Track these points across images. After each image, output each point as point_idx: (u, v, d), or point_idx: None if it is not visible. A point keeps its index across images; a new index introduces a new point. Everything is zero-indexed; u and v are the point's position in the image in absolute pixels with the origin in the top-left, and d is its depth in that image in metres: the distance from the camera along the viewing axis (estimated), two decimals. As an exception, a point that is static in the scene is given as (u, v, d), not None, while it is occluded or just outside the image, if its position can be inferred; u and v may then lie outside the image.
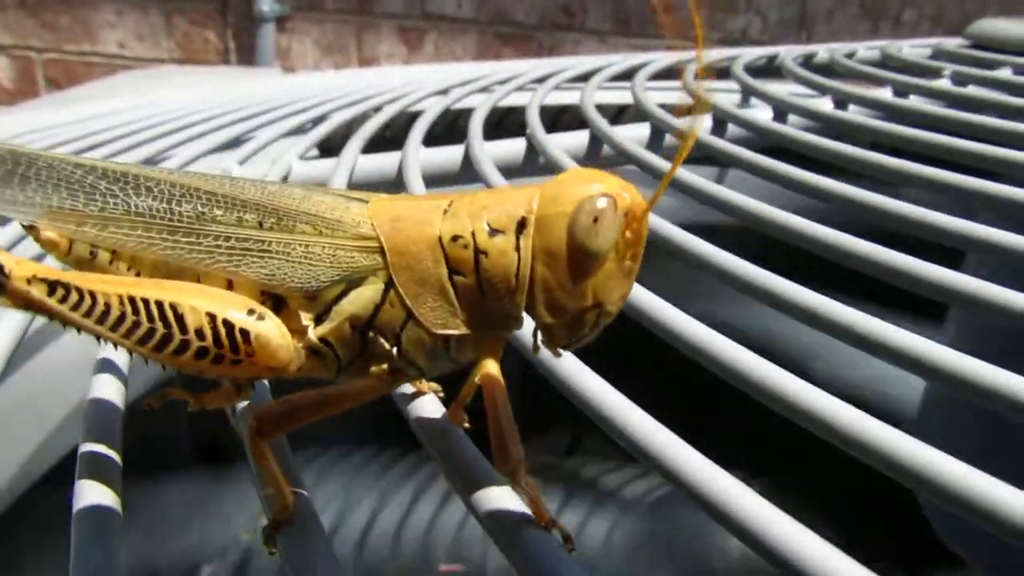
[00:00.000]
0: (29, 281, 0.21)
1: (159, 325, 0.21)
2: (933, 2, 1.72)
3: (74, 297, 0.21)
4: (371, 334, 0.22)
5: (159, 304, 0.21)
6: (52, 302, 0.21)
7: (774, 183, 0.45)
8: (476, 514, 0.21)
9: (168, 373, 0.24)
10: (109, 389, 0.26)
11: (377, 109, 0.71)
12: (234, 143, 0.61)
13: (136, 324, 0.21)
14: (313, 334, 0.22)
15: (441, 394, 0.26)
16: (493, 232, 0.21)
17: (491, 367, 0.21)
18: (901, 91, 0.64)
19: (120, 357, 0.28)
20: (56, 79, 1.77)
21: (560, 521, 0.20)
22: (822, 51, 0.85)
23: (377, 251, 0.21)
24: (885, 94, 0.64)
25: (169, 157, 0.57)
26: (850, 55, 0.82)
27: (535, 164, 0.59)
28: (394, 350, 0.22)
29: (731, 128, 0.61)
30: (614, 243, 0.20)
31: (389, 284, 0.21)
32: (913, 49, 0.80)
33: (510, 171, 0.57)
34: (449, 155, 0.58)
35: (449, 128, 0.81)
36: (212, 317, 0.21)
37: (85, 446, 0.23)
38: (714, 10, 1.72)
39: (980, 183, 0.40)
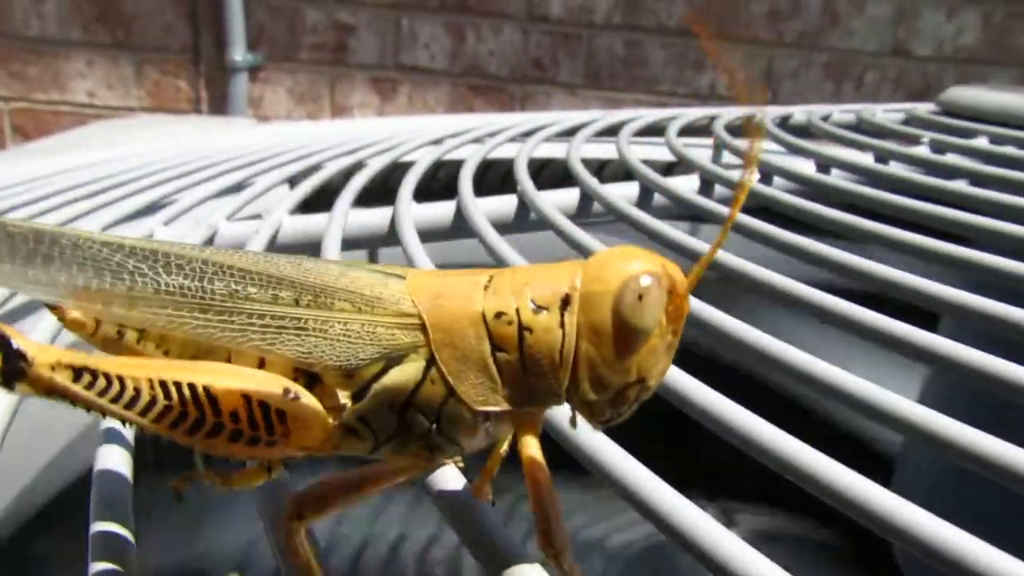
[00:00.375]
0: (53, 367, 0.20)
1: (192, 409, 0.20)
2: (894, 65, 1.78)
3: (101, 382, 0.20)
4: (410, 412, 0.21)
5: (191, 387, 0.20)
6: (78, 388, 0.20)
7: (763, 244, 0.46)
8: None
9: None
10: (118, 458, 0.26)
11: (360, 164, 0.71)
12: (227, 191, 0.60)
13: (168, 408, 0.20)
14: (351, 413, 0.21)
15: (461, 464, 0.26)
16: (537, 309, 0.20)
17: (532, 446, 0.21)
18: (882, 157, 0.66)
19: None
20: (23, 127, 1.74)
21: None
22: (798, 113, 0.88)
23: (418, 328, 0.21)
24: (867, 159, 0.66)
25: (171, 202, 0.57)
26: (825, 117, 0.84)
27: (526, 220, 0.60)
28: (433, 427, 0.21)
29: (717, 188, 0.62)
30: (658, 320, 0.20)
31: (430, 361, 0.21)
32: (887, 114, 0.83)
33: (503, 227, 0.57)
34: (441, 211, 0.58)
35: (428, 181, 0.81)
36: (247, 399, 0.20)
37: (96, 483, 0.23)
38: (682, 67, 1.77)
39: (956, 248, 0.41)
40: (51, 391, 0.20)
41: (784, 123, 0.85)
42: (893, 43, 1.77)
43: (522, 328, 0.20)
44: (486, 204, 0.58)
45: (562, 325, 0.20)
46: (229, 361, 0.22)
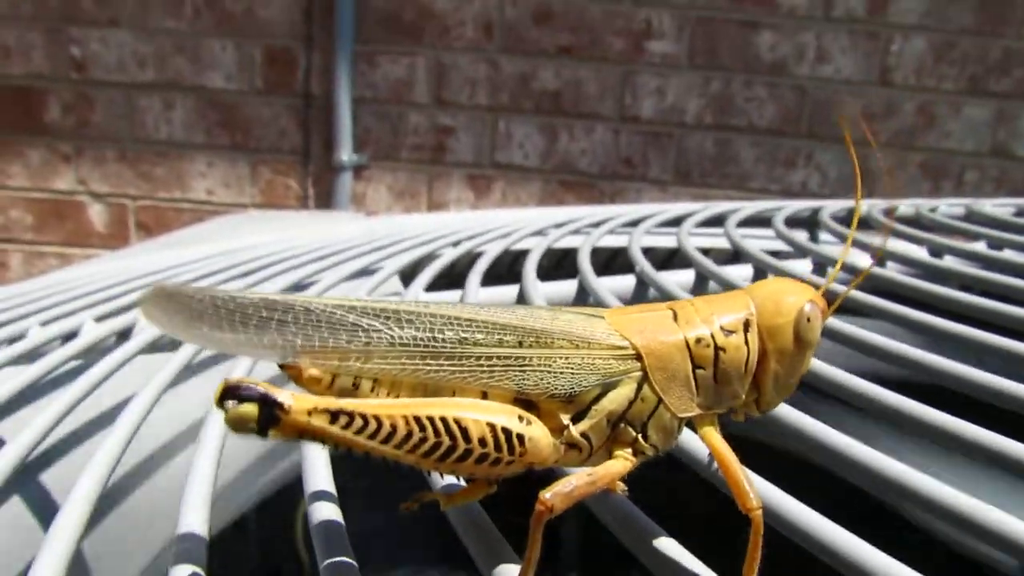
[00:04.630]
0: (310, 413, 0.23)
1: (445, 438, 0.23)
2: (995, 164, 1.75)
3: (358, 422, 0.23)
4: (622, 425, 0.26)
5: (443, 420, 0.23)
6: (335, 429, 0.23)
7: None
8: None
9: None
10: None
11: (472, 251, 0.74)
12: (360, 273, 0.64)
13: (423, 439, 0.23)
14: (575, 430, 0.25)
15: (628, 493, 0.30)
16: (728, 333, 0.26)
17: (715, 435, 0.26)
18: (995, 244, 0.65)
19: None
20: (146, 223, 1.88)
21: None
22: (903, 205, 0.87)
23: (631, 357, 0.25)
24: (979, 247, 0.65)
25: (314, 283, 0.61)
26: (932, 210, 0.83)
27: (644, 297, 0.64)
28: (639, 435, 0.26)
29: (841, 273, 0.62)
30: (820, 334, 0.26)
31: (641, 382, 0.25)
32: (996, 208, 0.81)
33: (623, 300, 0.60)
34: (563, 288, 0.62)
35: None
36: (492, 427, 0.24)
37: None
38: (773, 165, 1.78)
39: None
40: (303, 434, 0.23)
41: (888, 214, 0.85)
42: (992, 143, 1.75)
43: (717, 349, 0.26)
44: (604, 282, 0.60)
45: (747, 343, 0.26)
46: (454, 397, 0.25)
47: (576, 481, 0.24)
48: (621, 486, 0.29)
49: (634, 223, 0.82)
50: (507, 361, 0.25)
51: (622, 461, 0.25)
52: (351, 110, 1.77)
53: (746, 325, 0.26)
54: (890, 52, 1.72)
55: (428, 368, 0.25)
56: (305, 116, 1.81)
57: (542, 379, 0.25)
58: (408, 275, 0.66)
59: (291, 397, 0.23)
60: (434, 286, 0.63)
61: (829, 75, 1.73)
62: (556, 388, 0.25)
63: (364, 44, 1.76)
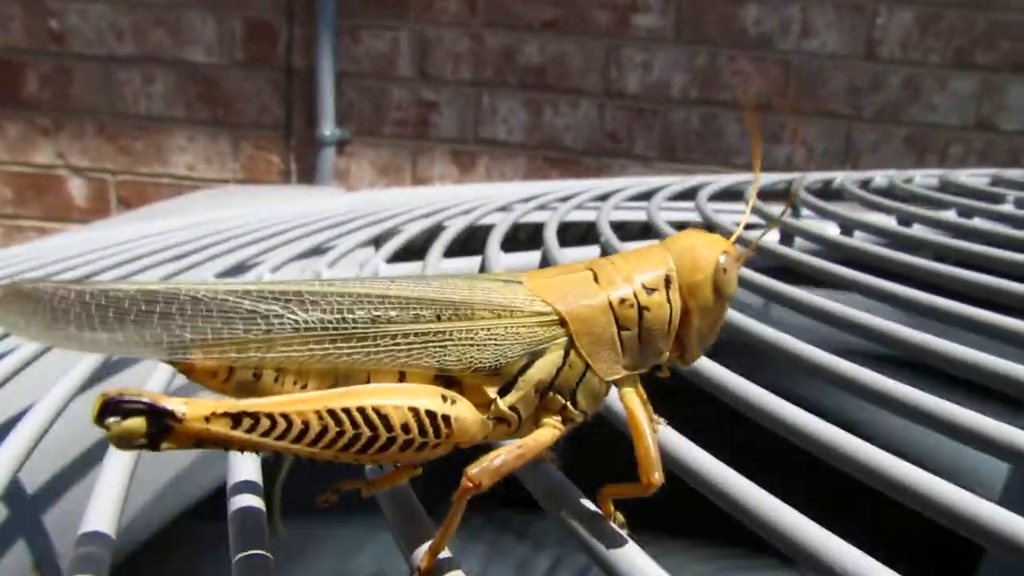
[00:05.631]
0: (207, 419, 0.21)
1: (365, 430, 0.22)
2: (980, 137, 1.75)
3: (265, 423, 0.21)
4: (550, 393, 0.25)
5: (361, 411, 0.22)
6: (238, 433, 0.21)
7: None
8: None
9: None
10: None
11: (440, 225, 0.74)
12: (319, 250, 0.63)
13: (340, 433, 0.22)
14: (503, 404, 0.24)
15: (557, 462, 0.29)
16: (650, 291, 0.25)
17: (634, 398, 0.25)
18: (965, 212, 0.65)
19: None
20: (127, 198, 1.86)
21: None
22: (879, 177, 0.87)
23: (556, 323, 0.25)
24: (950, 215, 0.65)
25: (261, 263, 0.60)
26: (907, 181, 0.83)
27: None
28: (568, 402, 0.25)
29: (799, 241, 0.62)
30: (735, 285, 0.26)
31: (568, 348, 0.25)
32: (971, 179, 0.81)
33: None
34: (527, 260, 0.61)
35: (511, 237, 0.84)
36: (415, 411, 0.22)
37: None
38: (759, 139, 1.77)
39: None
40: (201, 441, 0.21)
41: (865, 186, 0.84)
42: (977, 117, 1.74)
43: (641, 308, 0.25)
44: (571, 253, 0.60)
45: (668, 301, 0.25)
46: (368, 382, 0.23)
47: (505, 455, 0.23)
48: (550, 454, 0.29)
49: (604, 197, 0.81)
50: (426, 337, 0.23)
51: (551, 429, 0.25)
52: (334, 84, 1.75)
53: (667, 282, 0.25)
54: (876, 25, 1.71)
55: (339, 352, 0.23)
56: (287, 90, 1.79)
57: (465, 353, 0.24)
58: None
59: (183, 404, 0.21)
60: (398, 261, 0.62)
61: (815, 49, 1.72)
62: (480, 362, 0.24)
63: (347, 17, 1.74)
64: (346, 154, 1.82)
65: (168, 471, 0.50)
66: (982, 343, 0.36)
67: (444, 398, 0.23)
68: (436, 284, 0.24)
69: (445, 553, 0.23)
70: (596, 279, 0.25)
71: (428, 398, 0.23)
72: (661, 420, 0.29)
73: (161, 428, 0.21)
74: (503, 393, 0.24)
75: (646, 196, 0.82)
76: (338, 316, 0.23)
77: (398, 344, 0.23)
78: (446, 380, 0.24)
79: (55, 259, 0.66)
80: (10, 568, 0.42)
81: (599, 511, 0.25)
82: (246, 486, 0.27)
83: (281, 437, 0.21)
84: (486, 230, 0.70)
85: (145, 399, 0.21)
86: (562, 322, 0.25)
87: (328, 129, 1.76)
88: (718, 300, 0.26)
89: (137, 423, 0.21)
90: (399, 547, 0.24)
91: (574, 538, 0.24)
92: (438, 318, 0.24)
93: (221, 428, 0.21)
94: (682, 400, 0.36)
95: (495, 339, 0.24)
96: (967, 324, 0.39)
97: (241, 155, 1.83)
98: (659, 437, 0.27)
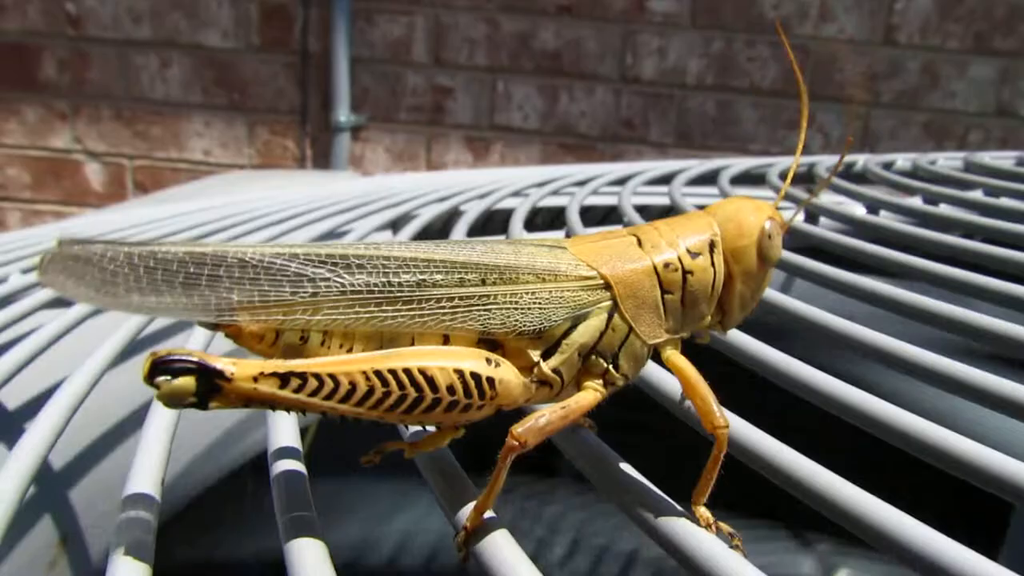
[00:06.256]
0: (255, 379, 0.21)
1: (411, 390, 0.22)
2: (999, 123, 1.73)
3: (312, 383, 0.21)
4: (593, 356, 0.25)
5: (407, 372, 0.22)
6: (286, 393, 0.21)
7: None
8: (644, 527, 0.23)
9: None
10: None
11: (457, 209, 0.74)
12: (334, 235, 0.63)
13: (387, 394, 0.22)
14: (546, 367, 0.25)
15: (595, 429, 0.29)
16: (694, 255, 0.26)
17: (679, 357, 0.25)
18: (992, 192, 0.64)
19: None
20: (143, 183, 1.87)
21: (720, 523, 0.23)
22: (900, 160, 0.86)
23: (600, 287, 0.25)
24: (977, 195, 0.64)
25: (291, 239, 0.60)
26: (931, 163, 0.82)
27: None
28: (610, 366, 0.25)
29: (824, 220, 0.61)
30: (780, 251, 0.26)
31: (612, 312, 0.25)
32: (996, 160, 0.80)
33: None
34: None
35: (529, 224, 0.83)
36: (460, 373, 0.23)
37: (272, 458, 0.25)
38: (774, 126, 1.76)
39: None
40: (250, 401, 0.21)
41: (889, 167, 0.84)
42: (997, 103, 1.72)
43: (685, 272, 0.25)
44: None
45: (713, 265, 0.26)
46: (412, 344, 0.24)
47: (549, 415, 0.23)
48: (588, 421, 0.29)
49: (621, 181, 0.81)
50: (470, 301, 0.24)
51: (593, 392, 0.25)
52: (348, 69, 1.75)
53: (711, 246, 0.26)
54: (894, 11, 1.69)
55: (384, 315, 0.23)
56: (303, 75, 1.79)
57: (509, 317, 0.24)
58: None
59: (233, 364, 0.21)
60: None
61: (832, 34, 1.70)
62: (524, 325, 0.24)
63: (362, 1, 1.74)
64: (361, 140, 1.82)
65: (206, 438, 0.50)
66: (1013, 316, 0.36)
67: (488, 361, 0.23)
68: (481, 248, 0.24)
69: (490, 513, 0.23)
70: (640, 244, 0.26)
71: (473, 360, 0.23)
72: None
73: (210, 387, 0.21)
74: (546, 356, 0.25)
75: (664, 180, 0.82)
76: (384, 280, 0.23)
77: (443, 307, 0.24)
78: (490, 343, 0.24)
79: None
80: (37, 542, 0.42)
81: (647, 484, 0.25)
82: (287, 451, 0.27)
83: (328, 397, 0.22)
84: (503, 214, 0.70)
85: (195, 358, 0.21)
86: (607, 286, 0.25)
87: (343, 115, 1.76)
88: (762, 265, 0.26)
89: (187, 382, 0.21)
90: (441, 507, 0.24)
91: (612, 504, 0.24)
92: (483, 282, 0.24)
93: (269, 388, 0.21)
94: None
95: (539, 303, 0.24)
96: (1003, 299, 0.38)
97: (257, 140, 1.83)
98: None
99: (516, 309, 0.24)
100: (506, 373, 0.24)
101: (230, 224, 0.68)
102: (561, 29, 1.74)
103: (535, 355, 0.24)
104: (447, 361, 0.23)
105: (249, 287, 0.23)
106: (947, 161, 0.82)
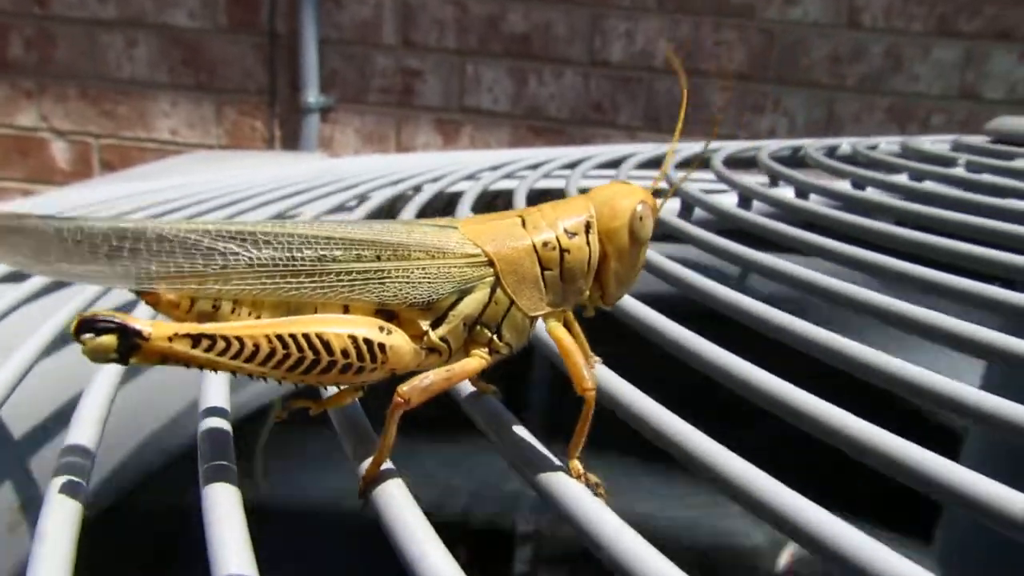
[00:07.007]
0: (170, 339, 0.24)
1: (308, 353, 0.25)
2: (963, 106, 1.76)
3: (220, 344, 0.24)
4: (478, 327, 0.27)
5: (306, 336, 0.24)
6: (197, 352, 0.24)
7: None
8: (529, 482, 0.26)
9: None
10: (219, 396, 0.30)
11: (417, 188, 0.75)
12: (285, 215, 0.64)
13: (287, 355, 0.24)
14: (434, 335, 0.27)
15: (499, 395, 0.31)
16: (571, 235, 0.28)
17: (559, 327, 0.28)
18: (917, 176, 0.66)
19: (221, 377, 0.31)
20: (110, 162, 1.86)
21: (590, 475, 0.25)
22: (844, 144, 0.88)
23: (484, 264, 0.27)
24: (902, 179, 0.66)
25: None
26: (872, 147, 0.84)
27: None
28: (494, 336, 0.28)
29: (756, 204, 0.63)
30: (651, 230, 0.28)
31: (494, 287, 0.27)
32: (934, 145, 0.82)
33: None
34: None
35: (487, 207, 0.85)
36: (354, 339, 0.25)
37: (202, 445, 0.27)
38: (742, 109, 1.78)
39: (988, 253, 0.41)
40: (166, 359, 0.24)
41: (831, 153, 0.86)
42: (960, 86, 1.75)
43: (562, 251, 0.27)
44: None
45: (588, 244, 0.28)
46: (316, 313, 0.26)
47: (433, 376, 0.25)
48: (491, 387, 0.31)
49: (572, 165, 0.82)
50: (366, 275, 0.26)
51: (478, 359, 0.27)
52: (317, 50, 1.75)
53: (587, 227, 0.28)
54: (858, -5, 1.71)
55: (289, 287, 0.25)
56: (271, 56, 1.79)
57: (401, 290, 0.26)
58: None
59: (150, 325, 0.23)
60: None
61: (798, 18, 1.72)
62: (415, 297, 0.26)
63: (330, -18, 1.73)
64: (330, 121, 1.82)
65: (172, 409, 0.52)
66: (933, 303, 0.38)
67: (381, 328, 0.25)
68: (378, 228, 0.27)
69: (387, 464, 0.25)
70: (524, 224, 0.28)
71: (366, 328, 0.25)
72: (597, 359, 0.32)
73: (130, 345, 0.23)
74: (435, 326, 0.27)
75: (615, 164, 0.83)
76: (288, 254, 0.26)
77: (341, 280, 0.26)
78: (386, 313, 0.26)
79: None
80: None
81: (538, 446, 0.27)
82: (214, 410, 0.30)
83: (235, 357, 0.24)
84: (460, 197, 0.71)
85: (116, 319, 0.23)
86: (490, 263, 0.27)
87: (312, 96, 1.76)
88: (634, 245, 0.28)
89: (109, 340, 0.23)
90: (350, 462, 0.27)
91: (512, 463, 0.27)
92: (378, 258, 0.26)
93: (182, 347, 0.24)
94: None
95: (428, 277, 0.26)
96: (918, 284, 0.40)
97: (225, 120, 1.83)
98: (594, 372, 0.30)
99: (407, 283, 0.26)
100: (397, 340, 0.26)
101: (188, 204, 0.69)
102: (530, 12, 1.75)
103: (425, 325, 0.27)
104: (343, 328, 0.25)
105: (166, 259, 0.25)
106: (887, 146, 0.84)
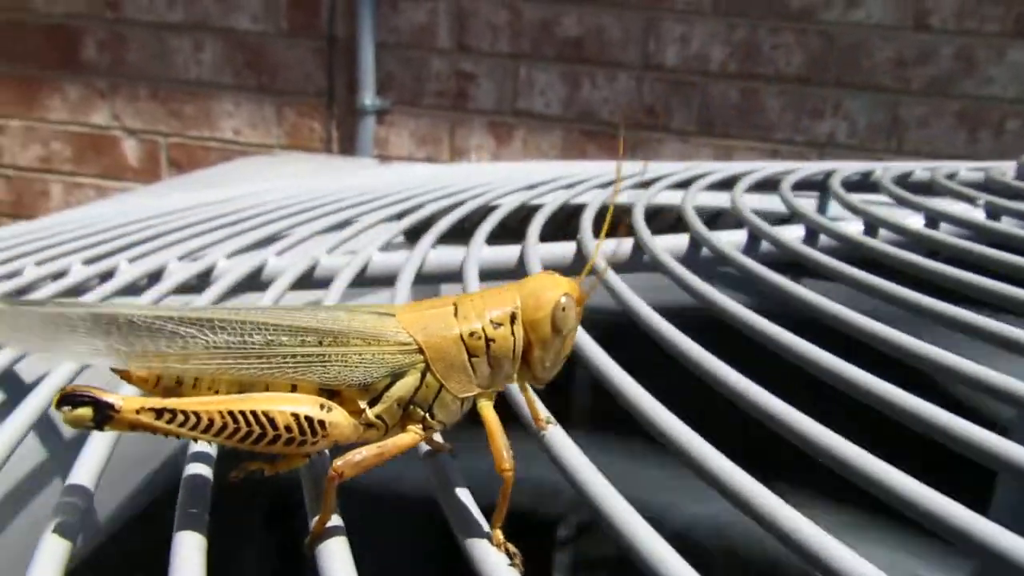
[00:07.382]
0: (138, 411, 0.27)
1: (255, 428, 0.28)
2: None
3: (180, 417, 0.27)
4: (411, 407, 0.30)
5: (254, 413, 0.28)
6: (161, 423, 0.27)
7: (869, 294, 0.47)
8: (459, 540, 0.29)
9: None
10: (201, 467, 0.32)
11: (459, 204, 0.76)
12: (333, 228, 0.68)
13: (236, 429, 0.28)
14: (371, 413, 0.30)
15: (454, 452, 0.34)
16: (496, 326, 0.30)
17: (488, 407, 0.30)
18: (992, 213, 0.65)
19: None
20: (178, 160, 1.94)
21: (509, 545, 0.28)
22: (919, 169, 0.85)
23: (415, 351, 0.29)
24: (978, 215, 0.65)
25: (287, 235, 0.65)
26: (951, 175, 0.81)
27: (639, 262, 0.63)
28: (427, 415, 0.30)
29: (822, 239, 0.63)
30: (575, 320, 0.30)
31: (425, 372, 0.30)
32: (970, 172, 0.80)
33: (618, 267, 0.61)
34: (507, 254, 0.63)
35: (523, 222, 0.86)
36: (296, 416, 0.28)
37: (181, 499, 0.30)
38: (799, 114, 1.75)
39: None
40: (135, 427, 0.28)
41: (903, 180, 0.82)
42: (1034, 91, 1.68)
43: (488, 340, 0.30)
44: (546, 248, 0.62)
45: (513, 334, 0.30)
46: (267, 390, 0.30)
47: (366, 452, 0.28)
48: (447, 446, 0.34)
49: (645, 185, 0.82)
50: (309, 358, 0.29)
51: (412, 435, 0.30)
52: (374, 54, 1.78)
53: (512, 318, 0.30)
54: None
55: (240, 367, 0.29)
56: (329, 59, 1.83)
57: (340, 372, 0.29)
58: (415, 230, 0.69)
59: (120, 399, 0.27)
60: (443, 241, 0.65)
61: (860, 20, 1.68)
62: (352, 379, 0.29)
63: (388, -14, 1.76)
64: (386, 123, 1.85)
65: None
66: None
67: (322, 406, 0.28)
68: (322, 315, 0.29)
69: (333, 521, 0.28)
70: (456, 313, 0.30)
71: (308, 406, 0.28)
72: (553, 421, 0.34)
73: (104, 416, 0.27)
74: (372, 404, 0.29)
75: (684, 185, 0.81)
76: (240, 339, 0.29)
77: (287, 363, 0.29)
78: (328, 392, 0.29)
79: (96, 230, 0.71)
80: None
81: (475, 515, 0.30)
82: (200, 456, 0.33)
83: (193, 428, 0.27)
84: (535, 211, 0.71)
85: (92, 394, 0.27)
86: (420, 350, 0.29)
87: (368, 98, 1.79)
88: (557, 335, 0.30)
89: (86, 411, 0.27)
90: (308, 515, 0.30)
91: (450, 522, 0.29)
92: (320, 343, 0.29)
93: (147, 419, 0.27)
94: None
95: (364, 362, 0.29)
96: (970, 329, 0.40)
97: (285, 122, 1.88)
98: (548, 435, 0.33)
99: (346, 366, 0.29)
100: (336, 417, 0.28)
101: (247, 216, 0.72)
102: (583, 16, 1.74)
103: (363, 403, 0.29)
104: (287, 406, 0.28)
105: (134, 341, 0.28)
106: (968, 173, 0.81)
